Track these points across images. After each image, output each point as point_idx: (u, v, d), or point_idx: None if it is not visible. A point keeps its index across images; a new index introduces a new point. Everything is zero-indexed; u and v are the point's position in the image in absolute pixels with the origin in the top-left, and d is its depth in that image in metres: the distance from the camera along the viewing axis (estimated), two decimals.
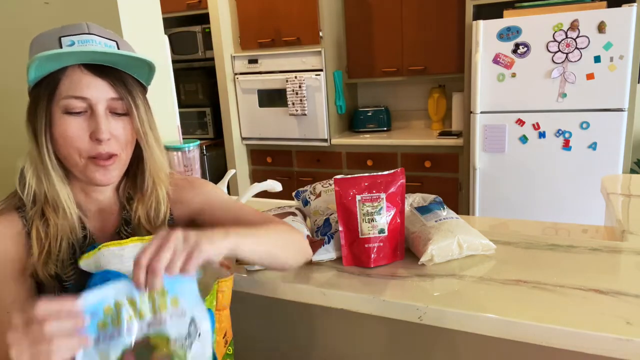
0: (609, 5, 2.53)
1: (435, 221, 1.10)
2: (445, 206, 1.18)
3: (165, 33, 1.71)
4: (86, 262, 0.71)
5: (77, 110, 0.77)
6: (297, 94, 3.40)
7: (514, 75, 2.68)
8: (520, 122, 2.73)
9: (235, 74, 3.61)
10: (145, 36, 1.59)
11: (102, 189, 0.86)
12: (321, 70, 3.34)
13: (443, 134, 3.30)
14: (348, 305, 0.98)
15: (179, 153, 1.55)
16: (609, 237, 1.30)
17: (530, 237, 1.16)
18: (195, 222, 0.94)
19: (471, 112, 2.83)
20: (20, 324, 0.56)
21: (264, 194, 1.50)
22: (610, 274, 0.98)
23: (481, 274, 1.00)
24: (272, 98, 3.54)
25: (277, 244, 0.85)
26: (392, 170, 1.12)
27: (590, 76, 2.54)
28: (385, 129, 3.63)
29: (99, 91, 0.77)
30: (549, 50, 2.58)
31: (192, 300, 0.67)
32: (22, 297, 0.78)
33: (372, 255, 1.07)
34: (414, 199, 1.24)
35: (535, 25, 2.59)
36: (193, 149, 1.58)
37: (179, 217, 0.94)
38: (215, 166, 3.77)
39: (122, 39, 0.84)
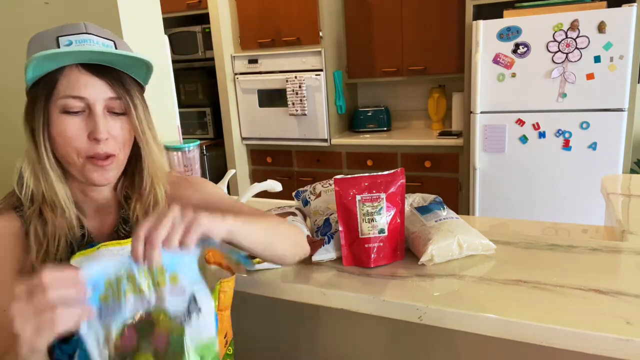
0: (609, 5, 2.53)
1: (435, 221, 1.10)
2: (445, 206, 1.18)
3: (165, 33, 1.71)
4: (81, 260, 0.71)
5: (75, 109, 0.77)
6: (297, 94, 3.40)
7: (514, 75, 2.68)
8: (520, 122, 2.73)
9: (235, 74, 3.61)
10: (145, 36, 1.59)
11: (100, 188, 0.86)
12: (321, 70, 3.34)
13: (443, 134, 3.30)
14: (348, 305, 0.98)
15: (179, 153, 1.55)
16: (609, 237, 1.30)
17: (530, 237, 1.16)
18: None
19: (471, 112, 2.83)
20: (24, 294, 0.56)
21: (264, 194, 1.50)
22: (610, 274, 0.98)
23: (481, 274, 1.00)
24: (272, 98, 3.54)
25: (275, 234, 0.84)
26: (392, 170, 1.12)
27: (590, 76, 2.54)
28: (385, 129, 3.63)
29: (97, 91, 0.77)
30: (549, 50, 2.58)
31: (192, 278, 0.66)
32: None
33: (372, 255, 1.07)
34: (414, 199, 1.24)
35: (535, 25, 2.59)
36: (193, 149, 1.58)
37: None
38: (215, 166, 3.77)
39: (120, 38, 0.84)
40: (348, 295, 0.98)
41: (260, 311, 1.29)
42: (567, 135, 2.65)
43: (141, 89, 0.85)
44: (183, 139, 1.78)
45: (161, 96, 1.67)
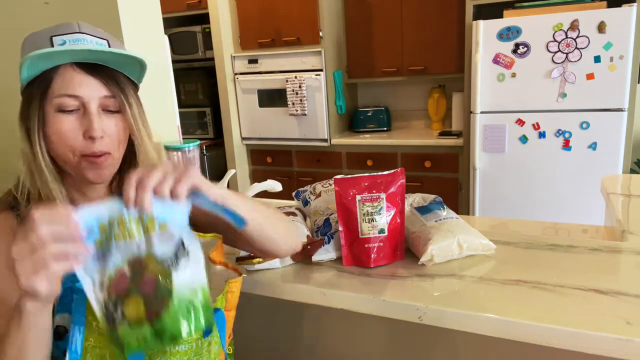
0: (609, 5, 2.53)
1: (435, 221, 1.10)
2: (445, 206, 1.18)
3: (165, 33, 1.71)
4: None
5: (70, 108, 0.77)
6: (297, 94, 3.40)
7: (514, 75, 2.68)
8: (520, 122, 2.73)
9: (235, 74, 3.61)
10: (145, 36, 1.59)
11: (95, 186, 0.87)
12: (321, 70, 3.34)
13: (443, 134, 3.30)
14: (348, 305, 0.98)
15: (179, 153, 1.55)
16: (609, 237, 1.30)
17: (530, 237, 1.16)
18: (191, 220, 0.93)
19: (471, 112, 2.83)
20: (22, 237, 0.57)
21: (264, 194, 1.50)
22: (610, 274, 0.98)
23: (481, 274, 1.00)
24: (272, 98, 3.54)
25: (268, 215, 0.84)
26: (392, 170, 1.12)
27: (590, 76, 2.54)
28: (385, 129, 3.63)
29: (91, 89, 0.78)
30: (549, 50, 2.58)
31: (181, 227, 0.68)
32: (17, 293, 0.78)
33: (372, 255, 1.07)
34: (414, 199, 1.24)
35: (535, 25, 2.59)
36: (193, 149, 1.58)
37: None
38: (215, 166, 3.77)
39: (113, 37, 0.84)
40: (348, 295, 0.98)
41: (260, 311, 1.29)
42: (567, 135, 2.65)
43: (135, 87, 0.86)
44: (183, 139, 1.78)
45: (161, 96, 1.67)
